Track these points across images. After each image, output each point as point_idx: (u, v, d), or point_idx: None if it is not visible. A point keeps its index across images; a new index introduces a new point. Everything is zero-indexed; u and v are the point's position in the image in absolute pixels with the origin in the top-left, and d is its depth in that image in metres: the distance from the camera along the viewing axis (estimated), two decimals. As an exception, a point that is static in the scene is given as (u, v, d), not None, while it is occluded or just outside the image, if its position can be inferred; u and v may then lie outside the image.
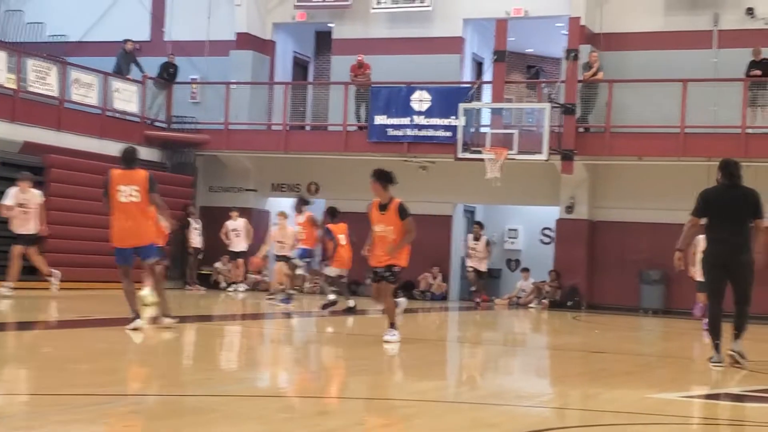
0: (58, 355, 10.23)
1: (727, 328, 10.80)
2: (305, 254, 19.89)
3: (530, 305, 25.29)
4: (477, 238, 24.08)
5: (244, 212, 27.04)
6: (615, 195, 25.51)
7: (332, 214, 19.22)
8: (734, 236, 10.75)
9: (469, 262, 24.31)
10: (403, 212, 12.57)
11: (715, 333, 10.86)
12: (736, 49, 24.14)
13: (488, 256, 24.41)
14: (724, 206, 10.83)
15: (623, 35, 25.62)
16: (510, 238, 29.27)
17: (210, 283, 26.84)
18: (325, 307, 18.22)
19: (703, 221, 11.07)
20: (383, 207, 12.62)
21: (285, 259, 21.08)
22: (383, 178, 12.60)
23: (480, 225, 24.56)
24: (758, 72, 23.29)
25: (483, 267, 24.14)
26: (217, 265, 26.90)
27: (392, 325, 12.63)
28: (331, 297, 18.57)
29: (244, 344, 13.33)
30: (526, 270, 26.60)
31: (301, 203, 20.13)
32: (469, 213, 28.87)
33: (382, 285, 12.63)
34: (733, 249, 10.73)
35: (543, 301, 25.20)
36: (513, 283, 27.36)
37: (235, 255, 26.34)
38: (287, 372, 10.29)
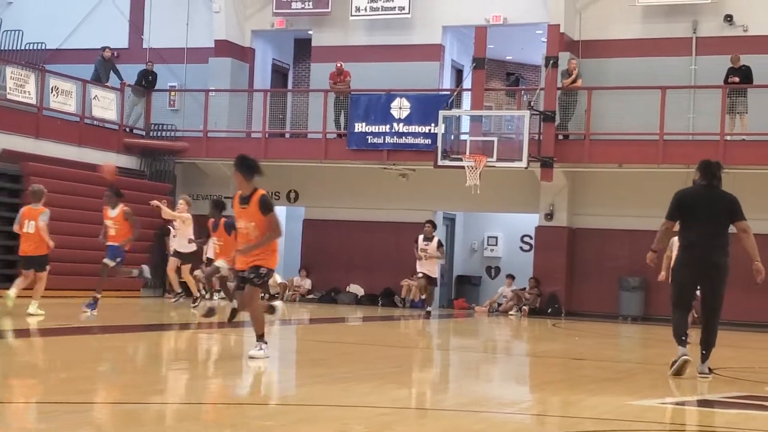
0: (35, 363, 10.16)
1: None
2: (117, 253, 17.85)
3: (510, 312, 25.30)
4: (429, 239, 21.37)
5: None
6: (594, 202, 25.57)
7: (220, 207, 18.35)
8: (712, 239, 10.26)
9: (419, 267, 21.35)
10: (264, 206, 10.68)
11: (679, 338, 10.36)
12: (715, 56, 24.25)
13: (441, 258, 21.73)
14: (703, 207, 10.33)
15: (602, 42, 25.69)
16: (490, 245, 29.29)
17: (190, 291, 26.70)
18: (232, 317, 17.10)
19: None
20: (245, 200, 10.75)
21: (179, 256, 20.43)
22: (244, 167, 10.70)
23: (432, 224, 21.79)
24: (737, 79, 23.39)
25: (434, 272, 21.51)
26: (197, 272, 26.75)
27: (260, 337, 10.96)
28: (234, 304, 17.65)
29: (222, 351, 13.27)
30: (510, 276, 26.53)
31: (115, 195, 17.99)
32: (449, 220, 28.89)
33: (247, 288, 10.81)
34: (711, 252, 10.24)
35: (523, 308, 25.22)
36: (493, 290, 27.38)
37: (210, 261, 26.04)
38: (267, 380, 10.25)
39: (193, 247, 20.55)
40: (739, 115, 23.47)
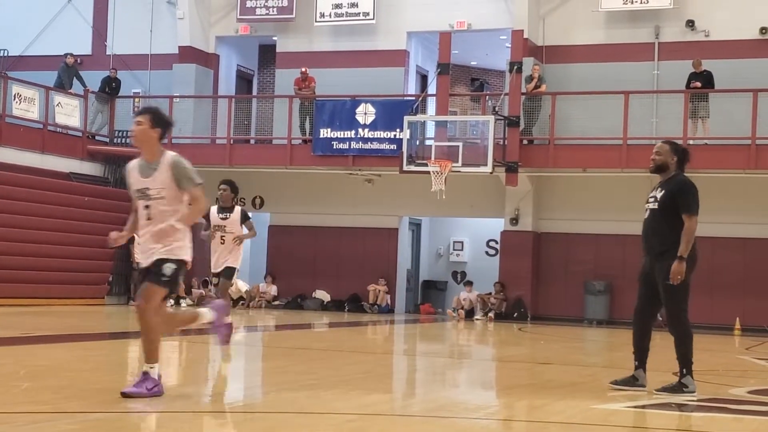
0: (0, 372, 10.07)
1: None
2: None
3: (476, 317, 25.33)
4: (227, 209, 13.92)
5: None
6: (559, 206, 25.69)
7: None
8: None
9: (214, 259, 13.90)
10: None
11: (691, 355, 9.60)
12: (677, 61, 24.45)
13: (250, 235, 14.19)
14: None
15: (566, 48, 25.84)
16: (455, 250, 29.35)
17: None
18: None
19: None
20: None
21: None
22: None
23: (230, 186, 14.01)
24: (698, 84, 23.57)
25: (236, 261, 13.91)
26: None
27: None
28: None
29: (189, 360, 13.22)
30: (469, 283, 26.43)
31: None
32: (415, 225, 28.93)
33: None
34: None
35: (489, 313, 25.26)
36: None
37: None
38: (233, 388, 10.23)
39: None
40: (701, 119, 23.65)
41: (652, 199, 9.93)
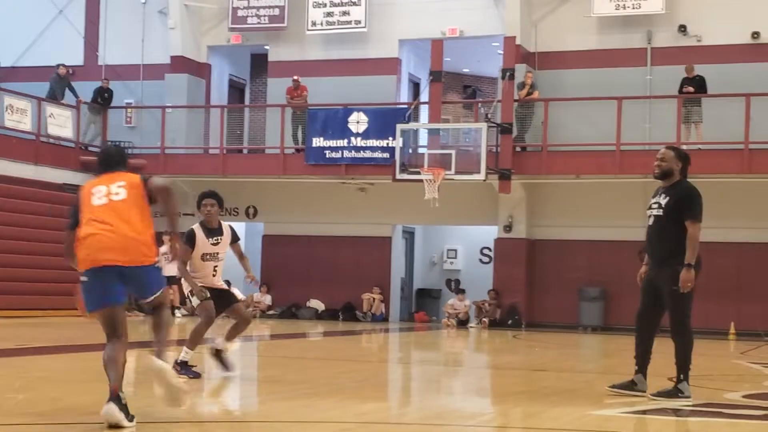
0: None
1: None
2: None
3: (470, 324, 25.30)
4: (216, 231, 11.17)
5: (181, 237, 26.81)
6: (553, 213, 25.68)
7: None
8: None
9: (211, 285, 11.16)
10: None
11: (690, 362, 9.61)
12: (670, 66, 24.47)
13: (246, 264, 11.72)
14: None
15: (558, 54, 25.85)
16: (449, 258, 29.34)
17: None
18: None
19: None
20: None
21: None
22: None
23: (218, 199, 11.52)
24: (691, 89, 23.60)
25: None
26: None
27: None
28: None
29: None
30: (461, 291, 26.38)
31: None
32: (409, 234, 28.91)
33: None
34: None
35: (483, 320, 25.23)
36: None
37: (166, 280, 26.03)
38: (229, 397, 10.20)
39: None
40: (694, 124, 23.68)
41: (655, 206, 9.78)
